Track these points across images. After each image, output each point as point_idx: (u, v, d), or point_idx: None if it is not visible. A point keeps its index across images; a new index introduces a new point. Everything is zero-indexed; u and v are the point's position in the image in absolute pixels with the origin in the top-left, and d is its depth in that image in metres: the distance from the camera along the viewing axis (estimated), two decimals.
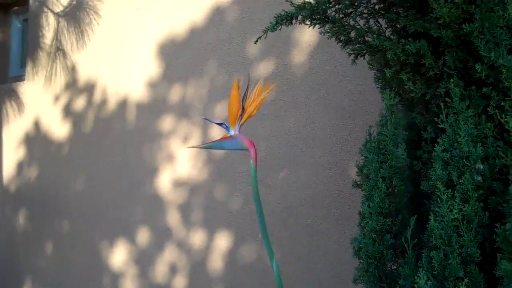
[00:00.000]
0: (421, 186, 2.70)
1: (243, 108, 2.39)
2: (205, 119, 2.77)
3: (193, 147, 2.90)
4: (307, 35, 4.14)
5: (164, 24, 5.03)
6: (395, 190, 2.80)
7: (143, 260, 5.15)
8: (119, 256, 5.31)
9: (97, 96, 5.62)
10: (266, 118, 4.37)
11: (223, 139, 2.48)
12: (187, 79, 4.84)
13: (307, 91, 4.18)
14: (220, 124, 2.48)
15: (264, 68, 4.37)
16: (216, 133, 4.63)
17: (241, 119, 2.41)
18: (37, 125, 6.20)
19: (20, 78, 6.51)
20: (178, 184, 4.91)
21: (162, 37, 5.05)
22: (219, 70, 4.63)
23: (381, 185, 2.74)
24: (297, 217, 4.18)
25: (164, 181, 4.99)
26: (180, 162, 4.88)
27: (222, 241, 4.60)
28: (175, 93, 4.93)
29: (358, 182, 3.02)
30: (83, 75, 5.79)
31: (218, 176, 4.63)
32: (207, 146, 2.86)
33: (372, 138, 2.91)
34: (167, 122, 4.96)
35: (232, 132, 2.42)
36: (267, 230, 2.39)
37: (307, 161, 4.15)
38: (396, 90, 2.80)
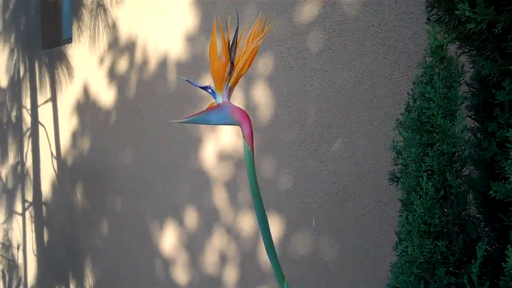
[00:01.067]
0: (491, 189, 1.61)
1: (231, 64, 1.66)
2: (187, 80, 1.99)
3: (174, 121, 1.90)
4: None
5: None
6: (451, 193, 1.74)
7: (193, 247, 4.36)
8: (169, 239, 4.57)
9: (138, 56, 4.79)
10: (314, 74, 3.32)
11: (208, 109, 1.74)
12: (225, 30, 3.84)
13: (361, 35, 3.08)
14: (204, 88, 1.75)
15: (308, 10, 3.31)
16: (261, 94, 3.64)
17: (229, 79, 1.68)
18: (86, 91, 5.51)
19: (70, 40, 5.77)
20: (223, 157, 4.02)
21: None
22: (257, 14, 3.59)
23: (426, 184, 1.68)
24: (356, 201, 3.16)
25: (209, 154, 4.12)
26: (224, 131, 3.96)
27: (272, 228, 3.65)
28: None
29: (397, 175, 1.99)
30: (124, 32, 4.98)
31: (264, 147, 3.65)
32: (190, 120, 1.88)
33: (412, 105, 1.85)
34: (208, 81, 4.01)
35: (219, 100, 1.70)
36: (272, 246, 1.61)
37: (365, 128, 3.09)
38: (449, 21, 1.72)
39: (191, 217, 4.32)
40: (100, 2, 5.26)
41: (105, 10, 5.21)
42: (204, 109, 1.75)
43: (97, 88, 5.35)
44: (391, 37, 2.96)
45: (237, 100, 3.76)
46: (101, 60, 5.26)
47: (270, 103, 3.64)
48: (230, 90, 1.71)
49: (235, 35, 1.63)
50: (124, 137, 5.02)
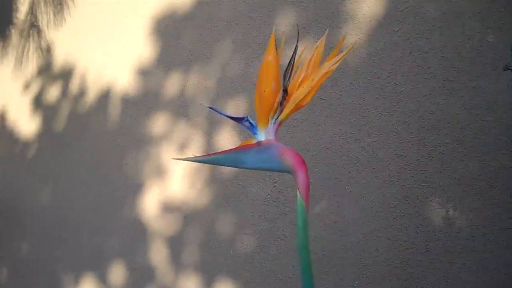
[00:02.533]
0: None
1: (285, 91, 1.19)
2: (211, 108, 1.41)
3: (192, 160, 1.23)
4: (364, 6, 2.60)
5: None
6: None
7: None
8: None
9: (75, 85, 4.10)
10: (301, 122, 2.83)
11: (243, 147, 1.26)
12: (189, 67, 3.30)
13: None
14: (239, 120, 1.26)
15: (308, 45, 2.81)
16: (229, 140, 3.08)
17: (281, 111, 1.21)
18: (2, 118, 4.67)
19: None
20: (169, 208, 3.37)
21: (159, 10, 3.52)
22: (233, 55, 3.08)
23: None
24: None
25: (151, 203, 3.46)
26: (173, 178, 3.35)
27: None
28: (172, 85, 3.40)
29: None
30: (59, 58, 4.28)
31: (224, 202, 3.07)
32: (213, 159, 1.39)
33: None
34: (159, 123, 3.43)
35: (261, 137, 1.23)
36: None
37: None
38: None
39: (118, 273, 3.61)
40: (34, 23, 4.57)
41: (39, 31, 4.52)
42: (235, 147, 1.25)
43: (17, 117, 4.59)
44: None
45: (213, 143, 3.17)
46: (27, 86, 4.53)
47: None
48: (279, 125, 1.25)
49: (293, 55, 1.21)
50: (45, 174, 4.27)
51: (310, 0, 2.80)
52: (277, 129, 1.24)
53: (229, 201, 3.09)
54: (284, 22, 2.89)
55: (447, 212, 2.35)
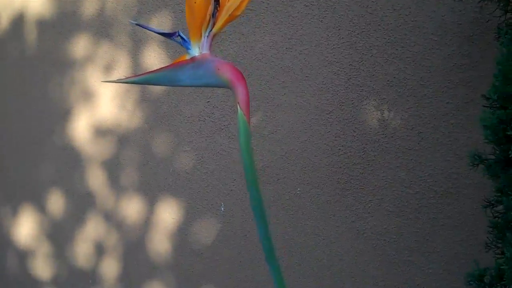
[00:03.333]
0: None
1: (216, 1, 1.07)
2: (138, 25, 1.22)
3: (124, 81, 1.15)
4: None
5: None
6: None
7: (58, 236, 3.53)
8: (25, 228, 3.66)
9: None
10: (226, 38, 2.72)
11: (176, 64, 1.13)
12: None
13: None
14: (169, 36, 1.12)
15: None
16: (157, 58, 2.96)
17: (214, 23, 1.09)
18: None
19: None
20: (101, 132, 3.25)
21: None
22: None
23: None
24: (280, 183, 2.63)
25: (81, 128, 3.32)
26: (102, 101, 3.21)
27: (167, 216, 3.01)
28: (90, 3, 3.18)
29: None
30: None
31: (158, 122, 2.98)
32: (146, 79, 1.23)
33: None
34: (81, 45, 3.24)
35: (195, 52, 1.11)
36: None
37: (293, 101, 2.57)
38: None
39: (56, 202, 3.52)
40: None
41: None
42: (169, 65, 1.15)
43: None
44: None
45: (140, 62, 3.03)
46: None
47: None
48: (213, 38, 1.14)
49: None
50: None
51: None
52: (211, 43, 1.14)
53: (162, 120, 3.00)
54: None
55: (382, 114, 2.36)
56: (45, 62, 3.49)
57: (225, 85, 1.14)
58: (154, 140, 3.05)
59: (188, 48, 1.15)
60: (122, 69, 3.12)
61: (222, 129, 2.81)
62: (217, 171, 2.85)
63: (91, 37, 3.24)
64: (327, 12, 2.45)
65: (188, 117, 2.91)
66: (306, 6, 2.50)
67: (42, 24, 3.49)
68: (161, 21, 2.93)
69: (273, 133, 2.66)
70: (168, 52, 2.92)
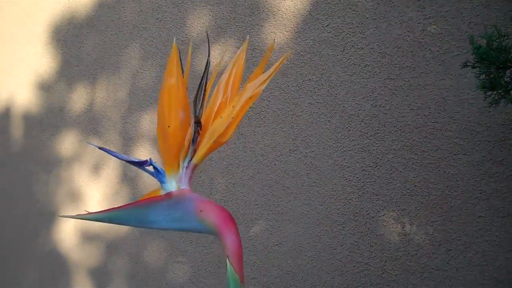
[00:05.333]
0: None
1: (197, 124, 0.91)
2: (100, 148, 0.96)
3: (85, 217, 0.94)
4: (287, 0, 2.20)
5: None
6: None
7: None
8: None
9: None
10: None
11: (147, 201, 0.92)
12: (95, 78, 2.80)
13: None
14: (139, 165, 0.93)
15: (229, 51, 2.39)
16: (149, 156, 2.61)
17: (194, 151, 0.92)
18: None
19: None
20: (89, 237, 2.89)
21: (57, 15, 2.98)
22: (143, 62, 2.62)
23: None
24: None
25: (68, 232, 2.98)
26: (90, 203, 2.87)
27: None
28: (78, 99, 2.90)
29: None
30: None
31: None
32: (112, 216, 0.96)
33: None
34: (67, 143, 2.92)
35: (170, 186, 0.92)
36: None
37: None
38: None
39: None
40: None
41: None
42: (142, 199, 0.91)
43: None
44: None
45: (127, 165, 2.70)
46: None
47: None
48: (193, 169, 0.93)
49: (204, 73, 0.91)
50: None
51: None
52: (191, 175, 0.92)
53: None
54: (197, 23, 2.44)
55: (403, 227, 2.00)
56: (31, 160, 3.17)
57: (209, 231, 0.88)
58: (145, 248, 2.68)
59: (162, 181, 0.91)
60: (111, 169, 2.79)
61: None
62: (214, 286, 2.47)
63: (78, 134, 2.93)
64: (335, 111, 2.14)
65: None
66: (311, 104, 2.19)
67: (28, 120, 3.19)
68: (152, 119, 2.62)
69: (277, 245, 2.29)
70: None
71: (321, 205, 2.19)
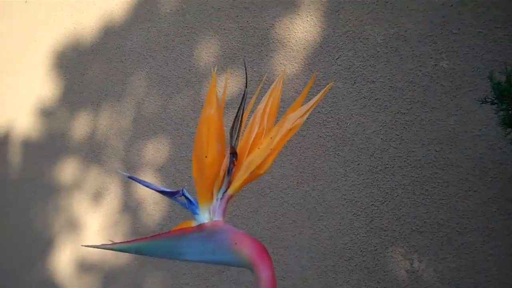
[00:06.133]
0: None
1: (233, 155, 0.87)
2: (131, 178, 0.95)
3: (110, 248, 0.93)
4: (296, 31, 2.20)
5: (65, 22, 2.96)
6: None
7: None
8: None
9: None
10: None
11: (179, 232, 0.90)
12: (99, 105, 2.79)
13: None
14: (171, 195, 0.91)
15: (237, 82, 2.38)
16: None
17: (229, 182, 0.89)
18: None
19: None
20: (86, 268, 2.83)
21: (61, 41, 2.97)
22: (149, 90, 2.61)
23: None
24: None
25: (64, 262, 2.92)
26: (89, 232, 2.82)
27: None
28: (80, 126, 2.87)
29: None
30: None
31: (150, 259, 2.58)
32: (139, 247, 0.93)
33: None
34: (68, 170, 2.89)
35: (203, 217, 0.89)
36: None
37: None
38: None
39: None
40: None
41: None
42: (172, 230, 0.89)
43: None
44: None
45: (136, 194, 2.66)
46: None
47: None
48: (228, 201, 0.90)
49: (241, 103, 0.88)
50: None
51: (234, 27, 2.37)
52: (225, 206, 0.89)
53: (155, 258, 2.59)
54: (205, 53, 2.44)
55: (411, 264, 1.97)
56: (29, 186, 3.13)
57: (243, 265, 0.85)
58: (144, 281, 2.63)
59: (195, 213, 0.89)
60: (112, 199, 2.75)
61: (223, 271, 2.41)
62: None
63: (79, 161, 2.90)
64: (344, 145, 2.12)
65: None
66: (320, 137, 2.17)
67: (28, 145, 3.16)
68: (156, 148, 2.60)
69: (282, 280, 2.25)
70: (164, 183, 2.57)
71: (328, 239, 2.16)
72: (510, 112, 1.53)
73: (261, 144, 0.89)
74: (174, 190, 0.90)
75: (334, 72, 2.14)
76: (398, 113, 2.02)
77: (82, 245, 2.79)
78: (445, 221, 1.93)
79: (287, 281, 2.24)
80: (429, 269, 1.95)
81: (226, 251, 0.87)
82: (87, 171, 2.87)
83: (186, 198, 0.89)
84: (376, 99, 2.07)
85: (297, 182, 2.23)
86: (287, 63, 2.23)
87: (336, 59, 2.14)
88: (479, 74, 1.87)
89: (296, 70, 2.22)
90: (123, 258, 2.70)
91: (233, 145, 0.87)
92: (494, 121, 1.83)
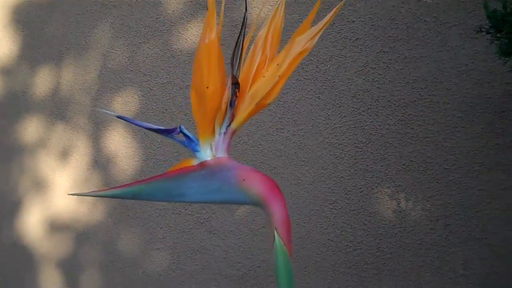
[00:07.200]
0: None
1: (235, 85, 0.76)
2: (121, 117, 0.82)
3: (103, 195, 0.84)
4: None
5: None
6: None
7: None
8: None
9: None
10: None
11: (179, 172, 0.79)
12: (61, 60, 2.56)
13: None
14: (166, 132, 0.79)
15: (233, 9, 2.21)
16: (121, 142, 2.42)
17: (233, 115, 0.78)
18: None
19: None
20: (56, 228, 2.65)
21: None
22: (114, 42, 2.40)
23: None
24: None
25: (33, 223, 2.71)
26: (58, 192, 2.62)
27: None
28: (42, 83, 2.64)
29: None
30: None
31: (124, 215, 2.42)
32: (136, 191, 0.82)
33: None
34: (32, 129, 2.66)
35: (205, 154, 0.78)
36: None
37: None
38: None
39: None
40: None
41: None
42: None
43: None
44: None
45: (101, 150, 2.46)
46: None
47: None
48: (232, 135, 0.80)
49: (241, 29, 0.76)
50: None
51: None
52: (229, 141, 0.80)
53: (129, 213, 2.43)
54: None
55: (398, 204, 1.88)
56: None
57: (253, 202, 0.77)
58: (120, 237, 2.46)
59: (195, 150, 0.79)
60: (80, 156, 2.55)
61: (202, 223, 2.26)
62: (196, 272, 2.28)
63: (43, 120, 2.67)
64: (324, 88, 1.99)
65: (160, 209, 2.35)
66: (299, 80, 2.03)
67: None
68: (125, 102, 2.41)
69: (264, 227, 2.13)
70: (136, 136, 2.38)
71: (311, 184, 2.04)
72: (506, 40, 1.42)
73: (267, 72, 0.78)
74: (171, 128, 0.79)
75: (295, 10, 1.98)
76: (380, 52, 1.90)
77: (68, 194, 2.58)
78: (432, 158, 1.83)
79: (267, 229, 2.11)
80: (417, 207, 1.86)
81: (233, 188, 0.78)
82: (52, 128, 2.65)
83: (185, 135, 0.78)
84: (357, 39, 1.93)
85: (276, 128, 2.09)
86: (263, 1, 2.07)
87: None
88: (464, 8, 1.76)
89: (268, 10, 2.06)
90: (96, 215, 2.52)
91: (235, 74, 0.75)
92: (481, 55, 1.73)
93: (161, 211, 2.35)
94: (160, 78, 2.32)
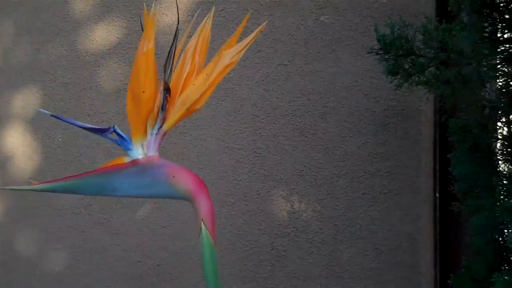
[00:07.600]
0: None
1: (167, 91, 0.85)
2: (55, 116, 0.89)
3: (33, 189, 0.90)
4: None
5: None
6: None
7: None
8: None
9: None
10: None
11: (112, 168, 0.89)
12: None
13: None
14: (100, 132, 0.88)
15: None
16: (20, 140, 2.36)
17: (164, 118, 0.88)
18: None
19: None
20: None
21: None
22: (16, 39, 2.35)
23: None
24: None
25: None
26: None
27: None
28: None
29: None
30: None
31: (21, 214, 2.36)
32: (67, 186, 0.90)
33: None
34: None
35: (136, 153, 0.87)
36: None
37: None
38: None
39: None
40: None
41: None
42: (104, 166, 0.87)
43: None
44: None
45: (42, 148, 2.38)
46: None
47: None
48: (162, 136, 0.88)
49: (174, 40, 0.86)
50: None
51: None
52: (160, 142, 0.87)
53: (27, 212, 2.37)
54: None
55: (292, 205, 2.00)
56: None
57: (181, 196, 0.86)
58: (16, 236, 2.40)
59: (128, 149, 0.86)
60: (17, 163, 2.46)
61: (102, 223, 2.27)
62: (95, 271, 2.28)
63: None
64: (227, 95, 2.08)
65: (59, 209, 2.32)
66: None
67: None
68: (25, 99, 2.36)
69: (164, 227, 2.18)
70: (36, 135, 2.34)
71: (211, 186, 2.10)
72: (393, 61, 1.58)
73: (196, 80, 0.87)
74: (105, 127, 0.86)
75: (218, 24, 2.07)
76: (280, 64, 2.02)
77: (0, 188, 2.47)
78: (323, 164, 1.97)
79: (169, 229, 2.17)
80: (308, 209, 1.99)
81: (163, 184, 0.85)
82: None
83: (118, 134, 0.85)
84: (259, 51, 2.04)
85: (179, 132, 2.15)
86: (170, 13, 2.12)
87: (220, 11, 2.08)
88: (356, 29, 1.92)
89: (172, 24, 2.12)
90: None
91: (166, 81, 0.83)
92: (369, 72, 1.89)
93: (60, 211, 2.32)
94: (64, 78, 2.30)
